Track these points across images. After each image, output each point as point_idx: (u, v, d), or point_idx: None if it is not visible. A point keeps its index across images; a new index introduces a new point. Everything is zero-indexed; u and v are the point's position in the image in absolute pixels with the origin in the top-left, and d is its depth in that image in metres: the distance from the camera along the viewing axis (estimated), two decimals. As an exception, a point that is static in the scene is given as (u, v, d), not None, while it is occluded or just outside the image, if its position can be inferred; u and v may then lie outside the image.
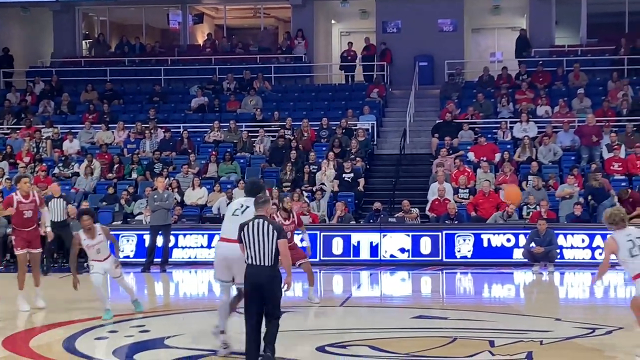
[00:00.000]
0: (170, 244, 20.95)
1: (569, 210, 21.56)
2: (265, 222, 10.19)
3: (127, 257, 21.33)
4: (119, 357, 11.69)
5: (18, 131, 27.38)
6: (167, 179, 23.66)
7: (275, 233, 10.06)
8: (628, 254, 10.74)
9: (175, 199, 22.42)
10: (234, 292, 11.22)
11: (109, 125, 27.31)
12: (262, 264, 10.04)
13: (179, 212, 22.74)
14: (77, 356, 11.77)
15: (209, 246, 21.67)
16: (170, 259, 20.96)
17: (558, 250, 20.41)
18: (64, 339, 12.72)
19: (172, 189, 22.61)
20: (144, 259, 20.58)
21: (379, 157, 26.30)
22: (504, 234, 21.34)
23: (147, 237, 20.79)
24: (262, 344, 9.90)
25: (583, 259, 20.86)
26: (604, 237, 20.84)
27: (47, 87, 30.27)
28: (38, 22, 33.03)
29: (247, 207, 12.21)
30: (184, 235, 21.95)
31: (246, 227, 10.15)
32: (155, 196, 20.41)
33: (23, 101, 29.67)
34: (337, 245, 21.41)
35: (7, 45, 32.01)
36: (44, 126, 27.48)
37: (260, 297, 10.10)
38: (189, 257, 21.70)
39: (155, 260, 20.27)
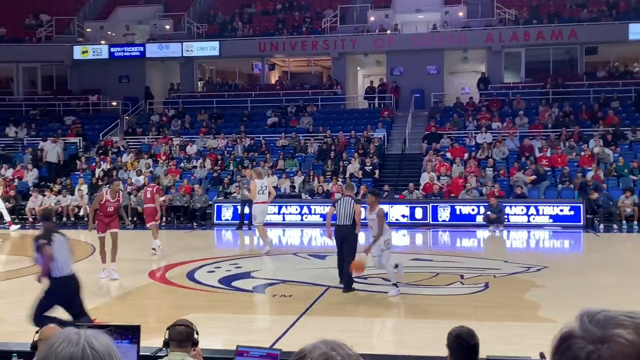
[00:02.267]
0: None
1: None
2: (349, 199, 11.88)
3: (227, 220, 21.53)
4: (222, 283, 11.91)
5: (158, 139, 27.74)
6: (251, 170, 23.82)
7: (354, 205, 11.74)
8: None
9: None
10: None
11: (215, 136, 27.61)
12: (345, 224, 11.58)
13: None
14: (195, 283, 12.02)
15: (278, 213, 21.87)
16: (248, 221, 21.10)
17: (505, 217, 20.40)
18: (187, 272, 12.98)
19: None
20: (237, 221, 20.82)
21: (388, 155, 26.26)
22: (470, 205, 21.31)
23: (239, 207, 21.03)
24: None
25: (522, 222, 20.81)
26: (536, 207, 20.86)
27: (175, 111, 30.60)
28: (170, 69, 33.36)
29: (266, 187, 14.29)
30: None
31: (339, 201, 11.36)
32: (244, 181, 20.64)
33: (161, 120, 30.03)
34: (361, 213, 21.47)
35: (149, 85, 32.36)
36: (174, 136, 27.82)
37: (342, 244, 11.58)
38: (266, 220, 21.89)
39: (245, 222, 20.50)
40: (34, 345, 4.85)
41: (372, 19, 31.45)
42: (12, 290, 11.66)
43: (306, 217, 21.88)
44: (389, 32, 30.60)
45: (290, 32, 31.51)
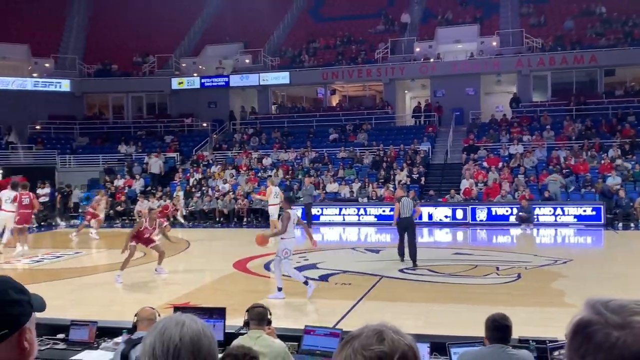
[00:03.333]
0: (318, 213, 21.20)
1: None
2: (407, 198, 12.99)
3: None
4: (293, 273, 11.93)
5: (240, 154, 28.15)
6: (315, 178, 23.96)
7: (412, 203, 12.99)
8: None
9: (317, 188, 22.80)
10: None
11: (286, 150, 27.81)
12: (407, 216, 12.50)
13: (323, 196, 22.96)
14: (271, 272, 12.08)
15: (339, 214, 21.87)
16: (316, 221, 21.18)
17: (535, 217, 19.85)
18: (264, 263, 13.09)
19: (315, 184, 22.99)
20: (304, 221, 20.86)
21: (432, 165, 25.89)
22: (504, 207, 20.81)
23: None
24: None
25: (549, 221, 20.20)
26: (562, 208, 20.20)
27: (254, 130, 30.99)
28: (249, 96, 33.83)
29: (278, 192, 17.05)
30: (327, 207, 22.18)
31: (403, 199, 12.84)
32: (304, 187, 20.76)
33: (242, 138, 30.46)
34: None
35: (232, 109, 32.90)
36: (253, 151, 28.17)
37: (406, 231, 12.58)
38: (329, 220, 21.95)
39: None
40: (134, 324, 5.00)
41: (417, 49, 31.20)
42: (124, 277, 12.02)
43: (362, 218, 21.81)
44: (432, 60, 30.28)
45: (349, 63, 31.54)
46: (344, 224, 21.50)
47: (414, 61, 30.44)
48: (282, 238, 9.62)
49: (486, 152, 25.05)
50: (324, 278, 11.45)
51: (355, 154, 26.55)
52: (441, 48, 31.20)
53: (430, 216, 21.19)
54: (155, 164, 27.38)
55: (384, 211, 21.51)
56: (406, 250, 12.75)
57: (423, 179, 24.00)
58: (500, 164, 23.65)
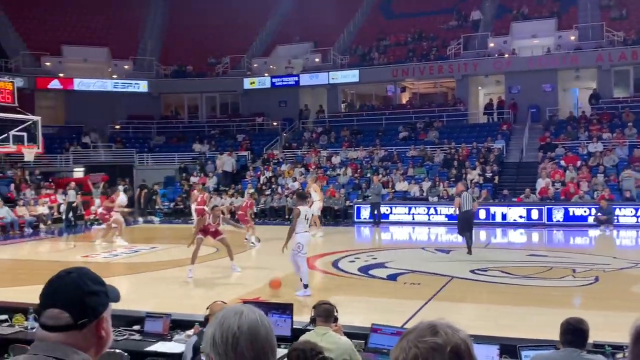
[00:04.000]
0: (387, 212, 21.14)
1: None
2: (467, 194, 14.03)
3: (365, 218, 21.59)
4: (361, 271, 11.98)
5: (309, 152, 28.40)
6: (385, 176, 23.87)
7: (472, 198, 13.90)
8: None
9: (386, 187, 22.72)
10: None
11: (355, 148, 27.82)
12: (468, 209, 13.45)
13: (392, 195, 22.85)
14: (339, 270, 12.17)
15: (408, 213, 21.70)
16: (385, 220, 21.09)
17: (615, 218, 18.97)
18: (332, 261, 13.18)
19: (384, 183, 22.91)
20: (371, 219, 20.83)
21: (507, 164, 25.20)
22: (582, 207, 20.02)
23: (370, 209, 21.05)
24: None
25: (631, 222, 19.26)
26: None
27: (323, 129, 31.17)
28: (318, 94, 34.05)
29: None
30: (395, 206, 22.05)
31: (464, 193, 13.74)
32: (371, 186, 20.70)
33: (311, 136, 30.72)
34: (482, 214, 20.84)
35: (302, 108, 33.23)
36: (322, 149, 28.36)
37: (467, 223, 13.67)
38: (398, 219, 21.81)
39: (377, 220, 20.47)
40: (206, 318, 5.16)
41: (491, 45, 30.45)
42: (198, 272, 12.40)
43: (433, 217, 21.54)
44: (507, 55, 29.47)
45: (420, 59, 31.17)
46: (414, 223, 21.30)
47: (487, 57, 29.73)
48: (295, 233, 9.76)
49: (564, 150, 24.14)
50: (392, 277, 11.41)
51: (425, 152, 26.23)
52: (516, 43, 30.33)
53: (504, 216, 20.66)
54: (228, 162, 28.06)
55: (455, 211, 21.13)
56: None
57: (497, 177, 23.42)
58: (579, 163, 22.74)
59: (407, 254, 14.91)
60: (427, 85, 33.63)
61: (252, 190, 23.90)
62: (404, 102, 33.23)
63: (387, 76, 31.40)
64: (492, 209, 20.96)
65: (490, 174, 23.32)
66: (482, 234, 19.11)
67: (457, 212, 14.27)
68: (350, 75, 31.74)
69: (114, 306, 1.66)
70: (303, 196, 10.78)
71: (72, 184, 23.07)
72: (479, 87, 32.63)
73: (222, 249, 14.56)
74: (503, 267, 12.16)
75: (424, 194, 22.88)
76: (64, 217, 22.24)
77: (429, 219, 21.47)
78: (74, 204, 22.40)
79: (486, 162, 24.19)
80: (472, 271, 11.74)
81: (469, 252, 13.60)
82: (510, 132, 27.48)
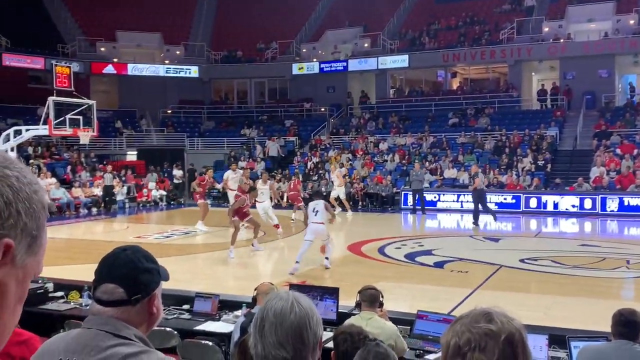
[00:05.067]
0: (435, 199, 20.92)
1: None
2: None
3: (412, 205, 21.40)
4: (408, 258, 11.94)
5: (357, 138, 28.34)
6: (434, 163, 23.64)
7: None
8: None
9: (434, 174, 22.48)
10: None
11: (403, 135, 27.62)
12: (483, 187, 13.16)
13: (441, 182, 22.60)
14: (385, 256, 12.16)
15: (457, 201, 21.43)
16: (435, 207, 20.87)
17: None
18: (379, 247, 13.17)
19: (433, 170, 22.65)
20: (417, 206, 20.61)
21: (560, 151, 24.54)
22: (638, 197, 19.34)
23: (412, 195, 20.85)
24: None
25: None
26: None
27: (371, 114, 31.05)
28: (367, 80, 33.86)
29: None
30: (444, 194, 21.80)
31: (480, 174, 13.06)
32: (414, 173, 20.48)
33: (359, 122, 30.63)
34: (534, 202, 20.40)
35: (350, 92, 33.12)
36: (369, 135, 28.25)
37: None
38: (446, 207, 21.55)
39: (418, 207, 20.25)
40: (254, 298, 5.23)
41: (546, 29, 29.55)
42: (246, 255, 12.61)
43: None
44: (562, 40, 28.56)
45: (471, 44, 30.58)
46: (462, 210, 21.02)
47: (542, 41, 28.90)
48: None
49: (620, 138, 23.32)
50: (439, 265, 11.32)
51: (476, 139, 25.81)
52: (572, 27, 29.34)
53: (555, 205, 20.16)
54: (273, 147, 28.29)
55: (505, 199, 20.78)
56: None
57: (549, 165, 22.85)
58: (636, 152, 21.93)
59: (455, 241, 14.76)
60: (479, 70, 33.01)
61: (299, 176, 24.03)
62: (454, 87, 32.72)
63: (438, 61, 30.95)
64: (544, 198, 20.49)
65: (543, 162, 22.77)
66: (533, 223, 18.74)
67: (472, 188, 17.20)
68: (400, 61, 31.41)
69: (164, 285, 1.71)
70: (319, 193, 12.46)
71: (109, 167, 23.38)
72: (532, 73, 31.78)
73: (269, 231, 14.75)
74: (554, 256, 11.90)
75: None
76: (102, 200, 22.51)
77: (478, 207, 21.12)
78: (114, 188, 22.77)
79: (538, 149, 23.62)
80: (522, 260, 11.54)
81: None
82: (564, 119, 26.72)
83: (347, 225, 18.12)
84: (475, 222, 17.11)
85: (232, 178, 15.08)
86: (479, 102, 29.12)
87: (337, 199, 20.66)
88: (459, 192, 21.51)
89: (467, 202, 21.29)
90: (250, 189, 13.00)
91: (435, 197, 21.57)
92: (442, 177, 23.11)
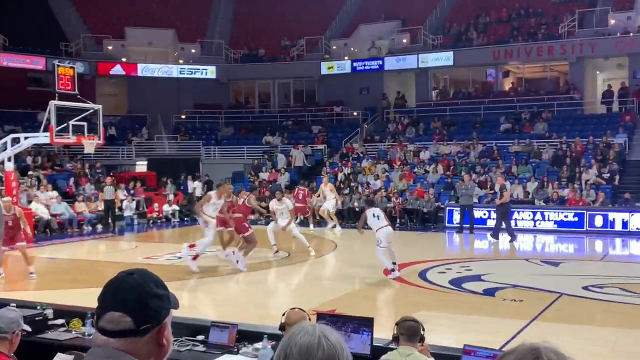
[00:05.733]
0: (485, 217, 20.75)
1: None
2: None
3: (458, 223, 21.18)
4: (453, 284, 11.83)
5: (394, 146, 28.28)
6: (483, 175, 23.49)
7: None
8: None
9: (483, 187, 22.31)
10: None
11: (448, 142, 27.50)
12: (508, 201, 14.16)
13: (491, 196, 22.36)
14: (427, 282, 12.06)
15: (510, 218, 21.13)
16: (485, 226, 20.63)
17: None
18: (419, 271, 13.07)
19: (482, 183, 22.51)
20: (465, 224, 20.41)
21: (630, 162, 24.11)
22: None
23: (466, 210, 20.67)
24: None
25: None
26: None
27: (410, 119, 30.99)
28: (406, 80, 33.79)
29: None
30: (494, 211, 21.52)
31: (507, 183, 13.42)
32: (462, 186, 20.32)
33: (396, 128, 30.58)
34: (599, 221, 20.06)
35: (386, 94, 33.12)
36: (408, 143, 28.18)
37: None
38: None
39: (467, 225, 20.09)
40: (282, 327, 5.21)
41: (612, 22, 29.17)
42: (268, 279, 12.63)
43: (539, 224, 20.91)
44: (632, 34, 28.16)
45: (526, 39, 30.36)
46: (516, 229, 20.73)
47: (608, 35, 28.55)
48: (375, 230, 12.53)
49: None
50: (489, 292, 11.18)
51: (531, 147, 25.55)
52: (644, 18, 28.95)
53: (624, 224, 19.76)
54: (299, 156, 28.39)
55: (566, 217, 20.48)
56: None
57: (617, 178, 22.45)
58: None
59: (508, 265, 14.59)
60: (535, 69, 32.73)
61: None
62: (506, 88, 32.49)
63: (487, 58, 30.79)
64: (611, 215, 20.11)
65: (609, 174, 22.40)
66: (598, 245, 18.41)
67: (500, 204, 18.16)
68: (444, 58, 31.34)
69: (175, 313, 1.72)
70: (372, 202, 13.56)
71: (109, 179, 23.36)
72: (597, 72, 31.38)
73: (294, 254, 14.78)
74: (622, 283, 11.67)
75: (530, 196, 22.26)
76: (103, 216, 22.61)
77: (534, 226, 20.87)
78: (118, 202, 22.87)
79: (604, 160, 23.27)
80: (586, 287, 11.34)
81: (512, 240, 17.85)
82: (634, 125, 26.29)
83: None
84: (495, 236, 18.28)
85: (278, 209, 15.15)
86: (535, 105, 28.85)
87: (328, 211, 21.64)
88: (513, 209, 21.24)
89: (522, 219, 21.05)
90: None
91: (484, 214, 21.34)
92: (492, 191, 22.87)
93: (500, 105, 29.94)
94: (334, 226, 21.17)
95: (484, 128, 28.69)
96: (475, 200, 21.54)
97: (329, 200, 21.68)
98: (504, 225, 18.24)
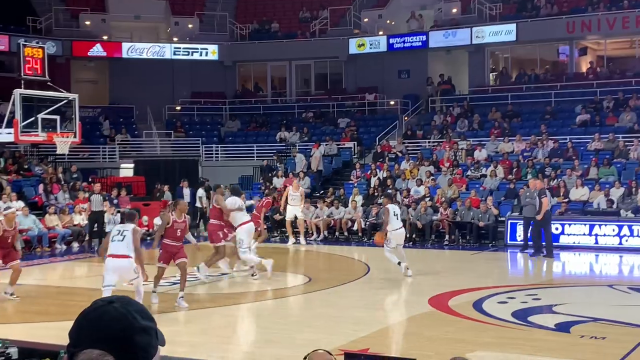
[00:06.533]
0: (557, 232, 20.64)
1: None
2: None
3: (520, 239, 21.03)
4: (517, 317, 11.75)
5: (441, 143, 28.19)
6: (554, 180, 23.38)
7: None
8: None
9: (555, 195, 22.20)
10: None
11: (509, 138, 27.37)
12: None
13: (565, 206, 22.24)
14: (484, 314, 11.99)
15: (589, 234, 20.99)
16: (557, 243, 20.49)
17: None
18: (474, 301, 12.99)
19: (554, 188, 22.40)
20: (529, 242, 20.27)
21: None
22: None
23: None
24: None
25: None
26: None
27: (462, 109, 30.89)
28: (456, 60, 33.73)
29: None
30: (569, 224, 21.39)
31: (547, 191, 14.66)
32: (527, 194, 20.17)
33: (444, 121, 30.48)
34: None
35: (431, 77, 33.06)
36: (459, 139, 28.09)
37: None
38: (573, 242, 21.09)
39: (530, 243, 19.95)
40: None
41: None
42: (284, 310, 12.65)
43: (626, 241, 20.69)
44: None
45: (608, 7, 30.17)
46: (598, 248, 20.56)
47: None
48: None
49: None
50: (563, 327, 11.10)
51: (616, 144, 25.34)
52: None
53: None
54: (314, 156, 28.33)
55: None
56: None
57: None
58: None
59: (587, 293, 14.48)
60: (620, 45, 32.60)
61: (357, 198, 24.05)
62: (583, 70, 32.36)
63: (559, 32, 30.67)
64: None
65: None
66: None
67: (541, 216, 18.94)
68: (504, 32, 31.24)
69: (170, 353, 1.73)
70: (390, 196, 16.86)
71: (97, 186, 23.57)
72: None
73: (315, 279, 14.82)
74: None
75: (614, 206, 22.06)
76: (87, 231, 22.78)
77: (620, 243, 20.67)
78: (105, 213, 23.05)
79: None
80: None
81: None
82: None
83: (426, 268, 17.94)
84: (536, 253, 19.25)
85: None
86: (620, 91, 28.66)
87: (294, 221, 22.69)
88: (593, 222, 21.09)
89: (605, 235, 20.86)
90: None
91: (557, 229, 21.19)
92: (567, 200, 22.72)
93: (576, 91, 29.79)
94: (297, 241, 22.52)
95: (555, 120, 28.57)
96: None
97: (295, 205, 22.61)
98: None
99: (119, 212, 24.16)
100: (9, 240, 13.27)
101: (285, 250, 21.81)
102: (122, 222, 12.40)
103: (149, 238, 24.20)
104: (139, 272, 11.43)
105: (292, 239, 22.48)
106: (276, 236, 23.78)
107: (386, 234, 15.37)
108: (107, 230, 23.29)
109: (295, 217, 22.72)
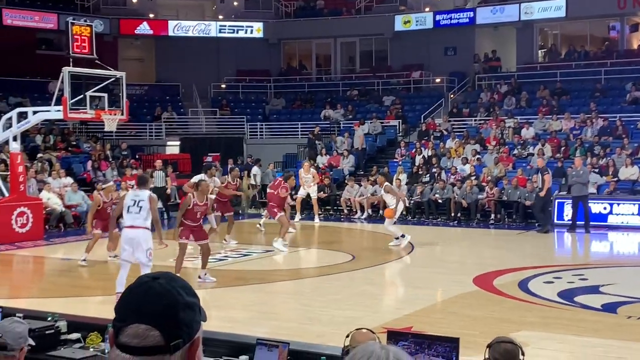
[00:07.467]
0: (605, 211, 20.39)
1: None
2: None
3: (568, 219, 20.82)
4: (563, 297, 11.68)
5: (488, 121, 27.96)
6: (603, 158, 23.07)
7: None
8: None
9: (604, 174, 21.81)
10: None
11: (558, 116, 27.06)
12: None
13: (614, 185, 21.95)
14: (529, 294, 11.93)
15: (638, 214, 20.70)
16: (605, 223, 20.26)
17: None
18: (519, 280, 12.94)
19: (602, 167, 22.07)
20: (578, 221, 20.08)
21: None
22: None
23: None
24: None
25: None
26: None
27: (509, 87, 30.57)
28: (504, 37, 33.34)
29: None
30: (618, 204, 21.12)
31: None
32: (574, 172, 19.94)
33: (491, 99, 30.20)
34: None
35: (477, 53, 32.73)
36: (506, 117, 27.84)
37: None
38: (623, 222, 20.82)
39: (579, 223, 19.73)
40: (346, 351, 5.24)
41: None
42: (327, 287, 12.73)
43: (677, 220, 20.38)
44: None
45: (661, -18, 29.54)
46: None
47: None
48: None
49: None
50: (610, 308, 10.99)
51: (668, 122, 24.93)
52: None
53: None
54: (357, 135, 28.28)
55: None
56: None
57: None
58: None
59: (635, 273, 14.30)
60: (673, 20, 31.82)
61: (401, 176, 23.96)
62: (635, 46, 31.80)
63: (610, 8, 30.11)
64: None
65: None
66: None
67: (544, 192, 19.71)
68: (554, 8, 30.78)
69: (212, 328, 1.76)
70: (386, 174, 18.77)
71: (159, 162, 24.18)
72: None
73: (358, 256, 14.86)
74: None
75: (666, 186, 21.73)
76: None
77: (671, 223, 20.39)
78: (167, 190, 23.55)
79: None
80: None
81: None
82: None
83: (471, 247, 17.87)
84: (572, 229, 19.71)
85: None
86: (675, 68, 28.08)
87: (306, 198, 23.18)
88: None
89: (654, 215, 20.56)
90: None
91: (605, 209, 20.94)
92: (616, 179, 22.39)
93: (627, 68, 29.33)
94: (312, 217, 23.02)
95: (605, 98, 28.23)
96: (593, 190, 21.09)
97: (309, 186, 23.01)
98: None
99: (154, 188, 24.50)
100: (107, 211, 14.52)
101: (330, 228, 21.90)
102: (137, 185, 12.03)
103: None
104: (155, 242, 11.51)
105: (298, 215, 22.65)
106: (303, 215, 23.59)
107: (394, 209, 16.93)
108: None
109: (309, 197, 23.07)
